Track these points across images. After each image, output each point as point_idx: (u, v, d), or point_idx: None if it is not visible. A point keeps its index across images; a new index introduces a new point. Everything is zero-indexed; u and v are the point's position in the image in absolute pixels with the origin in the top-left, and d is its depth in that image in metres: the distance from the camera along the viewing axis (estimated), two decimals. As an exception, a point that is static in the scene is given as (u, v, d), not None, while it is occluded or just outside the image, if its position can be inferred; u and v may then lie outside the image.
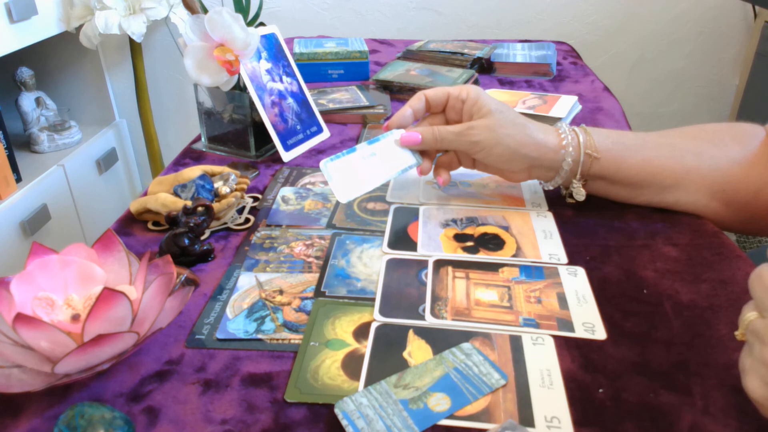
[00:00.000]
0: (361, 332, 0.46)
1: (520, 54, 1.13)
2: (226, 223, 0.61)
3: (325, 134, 0.82)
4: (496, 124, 0.58)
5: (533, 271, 0.53)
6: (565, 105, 0.87)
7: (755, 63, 1.56)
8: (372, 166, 0.60)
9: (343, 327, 0.47)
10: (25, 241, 1.34)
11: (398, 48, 1.27)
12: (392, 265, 0.54)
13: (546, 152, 0.58)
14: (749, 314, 0.35)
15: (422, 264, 0.54)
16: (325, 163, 0.58)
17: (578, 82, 1.05)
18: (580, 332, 0.46)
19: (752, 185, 0.57)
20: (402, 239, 0.58)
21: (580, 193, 0.60)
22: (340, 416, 0.38)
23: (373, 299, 0.50)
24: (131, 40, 1.62)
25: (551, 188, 0.63)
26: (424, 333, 0.46)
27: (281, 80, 0.78)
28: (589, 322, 0.47)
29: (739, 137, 0.60)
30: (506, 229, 0.59)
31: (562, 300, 0.49)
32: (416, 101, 0.62)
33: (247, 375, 0.43)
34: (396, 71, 1.02)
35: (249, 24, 0.77)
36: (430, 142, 0.60)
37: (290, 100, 0.79)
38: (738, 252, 0.55)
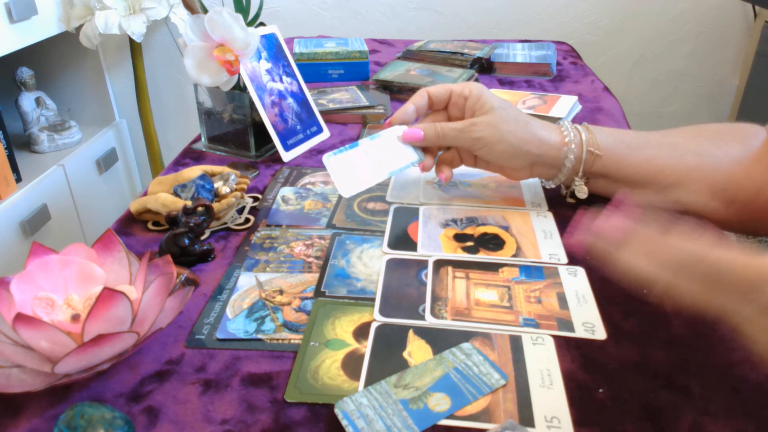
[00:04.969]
0: (361, 332, 0.46)
1: (520, 54, 1.13)
2: (226, 223, 0.61)
3: (325, 134, 0.82)
4: (499, 120, 0.58)
5: (533, 271, 0.53)
6: (565, 105, 0.87)
7: (755, 63, 1.56)
8: (374, 162, 0.60)
9: (343, 327, 0.47)
10: (25, 241, 1.34)
11: (398, 48, 1.27)
12: (392, 265, 0.54)
13: (548, 149, 0.59)
14: None
15: (422, 264, 0.54)
16: (328, 158, 0.59)
17: (578, 82, 1.05)
18: (580, 332, 0.46)
19: (753, 185, 0.57)
20: (402, 239, 0.58)
21: (582, 191, 0.60)
22: (340, 416, 0.38)
23: (373, 299, 0.50)
24: (131, 40, 1.62)
25: (552, 186, 0.63)
26: (424, 333, 0.46)
27: (281, 80, 0.78)
28: (589, 322, 0.47)
29: (740, 137, 0.60)
30: (506, 229, 0.59)
31: (562, 300, 0.49)
32: (419, 98, 0.62)
33: (247, 375, 0.43)
34: (396, 71, 1.02)
35: (249, 24, 0.77)
36: (432, 139, 0.60)
37: (290, 100, 0.79)
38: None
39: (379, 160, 0.60)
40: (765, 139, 0.59)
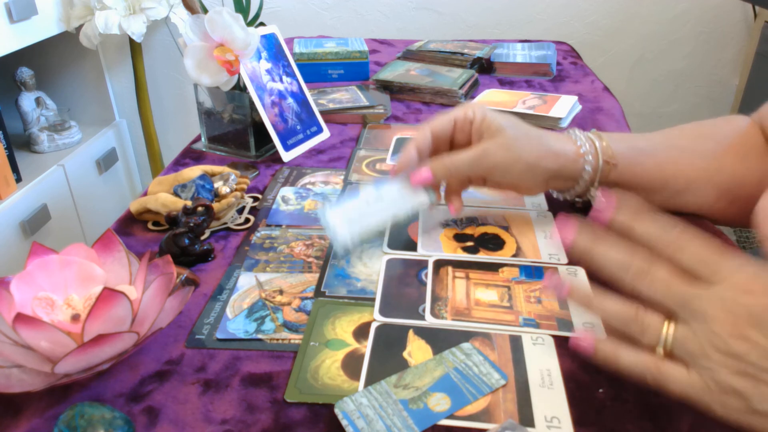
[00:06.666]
0: (361, 332, 0.46)
1: (520, 54, 1.13)
2: (226, 223, 0.61)
3: (325, 134, 0.82)
4: (511, 141, 0.54)
5: (533, 271, 0.53)
6: (565, 105, 0.87)
7: (755, 63, 1.56)
8: (378, 210, 0.55)
9: (343, 327, 0.47)
10: (25, 241, 1.34)
11: (398, 48, 1.27)
12: (392, 265, 0.54)
13: (565, 162, 0.56)
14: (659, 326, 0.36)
15: (422, 264, 0.54)
16: (325, 212, 0.54)
17: (578, 82, 1.05)
18: (580, 332, 0.46)
19: (753, 177, 0.57)
20: (402, 239, 0.58)
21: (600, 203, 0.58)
22: (340, 416, 0.38)
23: (373, 299, 0.50)
24: (131, 40, 1.62)
25: (567, 198, 0.61)
26: (424, 333, 0.46)
27: (281, 80, 0.78)
28: (589, 321, 0.47)
29: (738, 130, 0.60)
30: (506, 229, 0.59)
31: (562, 300, 0.49)
32: (421, 139, 0.57)
33: (247, 375, 0.43)
34: (396, 71, 1.02)
35: (249, 24, 0.77)
36: (443, 176, 0.56)
37: (290, 100, 0.79)
38: (738, 252, 0.55)
39: (383, 208, 0.55)
40: (750, 126, 0.59)
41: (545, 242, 0.57)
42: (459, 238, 0.58)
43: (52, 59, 1.66)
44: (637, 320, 0.37)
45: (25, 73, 1.51)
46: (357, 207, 0.55)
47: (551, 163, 0.55)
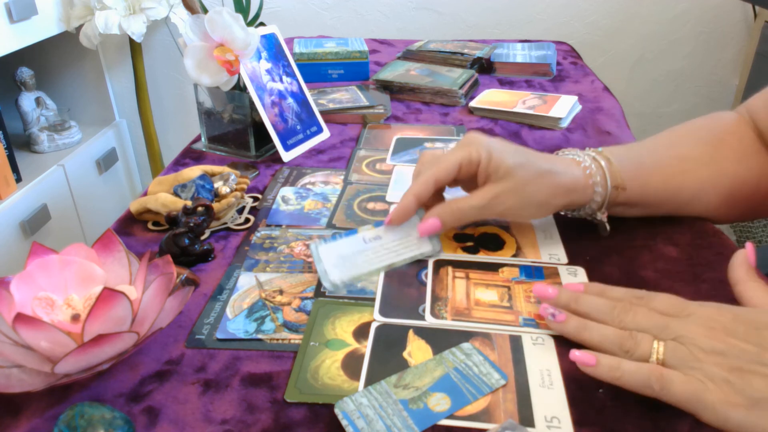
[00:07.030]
0: (361, 332, 0.46)
1: (520, 54, 1.13)
2: (226, 223, 0.61)
3: (325, 134, 0.82)
4: (521, 183, 0.52)
5: (533, 271, 0.53)
6: (565, 105, 0.87)
7: (755, 63, 1.56)
8: (376, 252, 0.54)
9: (343, 327, 0.47)
10: (25, 241, 1.34)
11: (398, 48, 1.27)
12: (392, 265, 0.54)
13: (576, 197, 0.54)
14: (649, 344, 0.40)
15: (422, 264, 0.54)
16: (317, 246, 0.53)
17: (578, 82, 1.05)
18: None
19: (753, 177, 0.57)
20: (402, 239, 0.58)
21: (604, 229, 0.57)
22: (340, 416, 0.38)
23: (373, 299, 0.50)
24: (131, 40, 1.62)
25: (569, 216, 0.60)
26: (424, 333, 0.46)
27: (281, 80, 0.78)
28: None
29: (727, 128, 0.60)
30: (506, 229, 0.59)
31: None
32: (423, 188, 0.53)
33: (247, 375, 0.43)
34: (396, 71, 1.02)
35: (249, 24, 0.77)
36: (451, 224, 0.54)
37: (290, 100, 0.79)
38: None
39: (380, 252, 0.54)
40: (744, 128, 0.60)
41: (545, 242, 0.57)
42: (459, 238, 0.58)
43: (52, 59, 1.66)
44: (631, 336, 0.41)
45: (25, 73, 1.51)
46: (352, 244, 0.54)
47: (562, 200, 0.54)
